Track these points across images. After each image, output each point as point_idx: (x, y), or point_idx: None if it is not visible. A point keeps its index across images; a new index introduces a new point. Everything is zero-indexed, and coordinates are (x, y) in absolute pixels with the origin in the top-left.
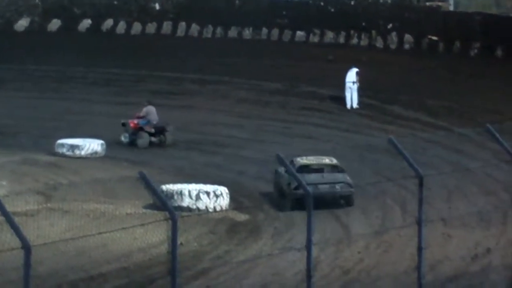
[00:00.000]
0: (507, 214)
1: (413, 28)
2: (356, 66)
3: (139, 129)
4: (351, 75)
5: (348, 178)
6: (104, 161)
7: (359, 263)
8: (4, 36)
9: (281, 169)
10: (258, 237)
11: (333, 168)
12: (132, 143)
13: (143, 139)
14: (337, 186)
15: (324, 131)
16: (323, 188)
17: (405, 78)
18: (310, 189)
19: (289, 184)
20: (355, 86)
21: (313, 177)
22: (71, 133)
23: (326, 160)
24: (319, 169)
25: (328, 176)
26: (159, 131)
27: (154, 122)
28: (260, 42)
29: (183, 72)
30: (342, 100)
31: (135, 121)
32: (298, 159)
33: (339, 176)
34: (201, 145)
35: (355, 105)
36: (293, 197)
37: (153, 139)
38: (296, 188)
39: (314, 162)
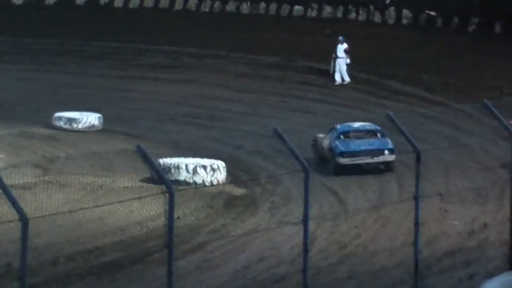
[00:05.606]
0: (504, 190)
1: (411, 3)
2: (344, 41)
3: None
4: (340, 50)
5: None
6: (101, 134)
7: (356, 237)
8: (2, 9)
9: (320, 136)
10: (255, 211)
11: None
12: None
13: None
14: None
15: (321, 106)
16: None
17: (403, 54)
18: None
19: (330, 149)
20: (343, 61)
21: None
22: (68, 107)
23: None
24: None
25: None
26: None
27: None
28: (258, 16)
29: (181, 46)
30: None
31: None
32: None
33: None
34: (199, 119)
35: (346, 79)
36: (336, 164)
37: None
38: (340, 155)
39: None
